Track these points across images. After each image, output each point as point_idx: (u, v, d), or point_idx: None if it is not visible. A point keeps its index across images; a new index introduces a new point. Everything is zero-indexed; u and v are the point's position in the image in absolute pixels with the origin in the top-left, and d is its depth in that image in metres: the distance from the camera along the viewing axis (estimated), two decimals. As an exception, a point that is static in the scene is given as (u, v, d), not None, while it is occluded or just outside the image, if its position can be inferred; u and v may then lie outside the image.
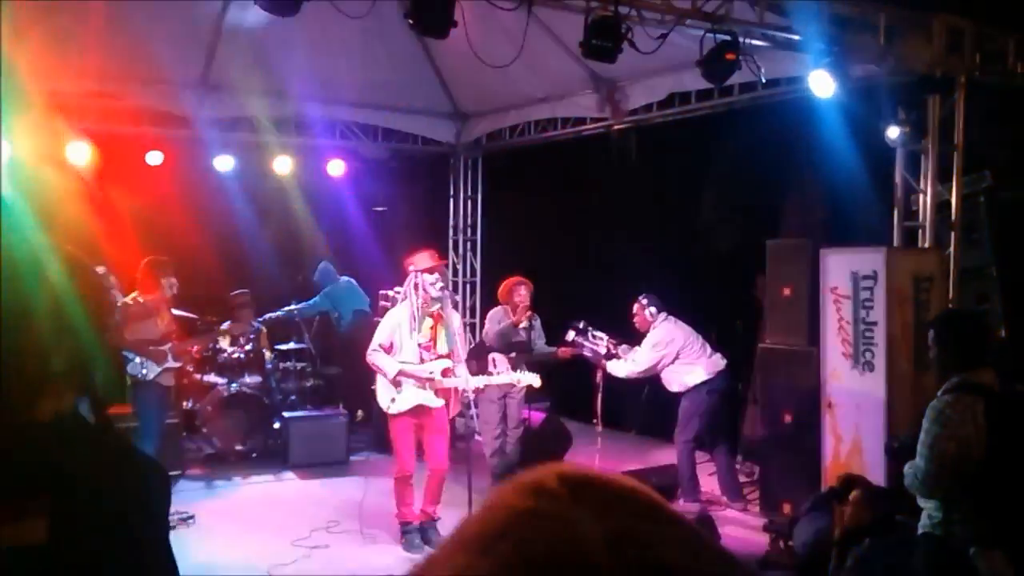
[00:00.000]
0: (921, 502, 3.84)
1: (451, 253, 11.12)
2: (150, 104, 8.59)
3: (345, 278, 10.29)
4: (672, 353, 7.41)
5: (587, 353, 7.77)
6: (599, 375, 7.89)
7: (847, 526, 5.28)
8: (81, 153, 8.19)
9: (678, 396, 7.50)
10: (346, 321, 10.02)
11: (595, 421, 8.22)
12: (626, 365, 7.55)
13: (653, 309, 7.54)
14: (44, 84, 7.35)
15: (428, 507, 6.42)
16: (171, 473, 7.24)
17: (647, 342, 7.51)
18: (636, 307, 7.63)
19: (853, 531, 5.18)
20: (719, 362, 7.47)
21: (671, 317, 7.55)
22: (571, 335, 7.74)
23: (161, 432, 7.06)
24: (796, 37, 6.16)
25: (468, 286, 11.22)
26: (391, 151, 10.73)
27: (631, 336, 7.80)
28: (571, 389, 9.63)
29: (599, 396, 8.00)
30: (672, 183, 10.04)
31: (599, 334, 7.71)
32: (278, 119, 9.43)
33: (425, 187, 11.73)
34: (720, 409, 7.51)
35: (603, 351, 7.70)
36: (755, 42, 6.20)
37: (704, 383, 7.35)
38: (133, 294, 6.97)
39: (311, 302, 10.08)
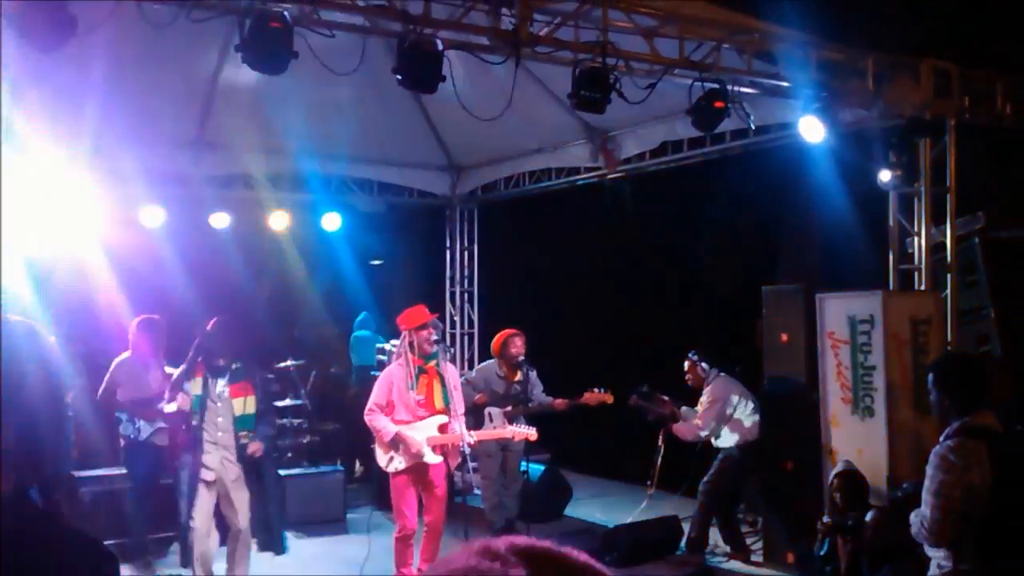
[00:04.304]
0: (929, 551, 3.74)
1: (448, 305, 11.08)
2: (146, 163, 8.61)
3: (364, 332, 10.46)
4: (730, 409, 7.24)
5: (651, 418, 7.54)
6: (660, 438, 7.63)
7: (870, 549, 5.16)
8: (77, 213, 8.19)
9: (719, 450, 7.31)
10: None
11: (649, 483, 7.90)
12: (692, 428, 7.31)
13: (705, 365, 7.38)
14: (41, 145, 7.41)
15: (424, 565, 6.29)
16: (166, 535, 7.15)
17: (704, 399, 7.31)
18: (687, 364, 7.46)
19: (878, 554, 5.05)
20: None
21: (723, 373, 7.39)
22: (634, 399, 7.49)
23: (155, 493, 6.94)
24: (785, 84, 6.18)
25: (466, 338, 11.16)
26: (387, 204, 10.76)
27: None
28: (572, 440, 9.52)
29: (659, 459, 7.70)
30: (667, 230, 10.04)
31: (664, 398, 7.51)
32: (274, 175, 9.47)
33: (421, 240, 11.75)
34: (755, 469, 7.33)
35: (668, 413, 7.48)
36: (744, 89, 6.25)
37: (754, 441, 7.18)
38: (126, 354, 6.92)
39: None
